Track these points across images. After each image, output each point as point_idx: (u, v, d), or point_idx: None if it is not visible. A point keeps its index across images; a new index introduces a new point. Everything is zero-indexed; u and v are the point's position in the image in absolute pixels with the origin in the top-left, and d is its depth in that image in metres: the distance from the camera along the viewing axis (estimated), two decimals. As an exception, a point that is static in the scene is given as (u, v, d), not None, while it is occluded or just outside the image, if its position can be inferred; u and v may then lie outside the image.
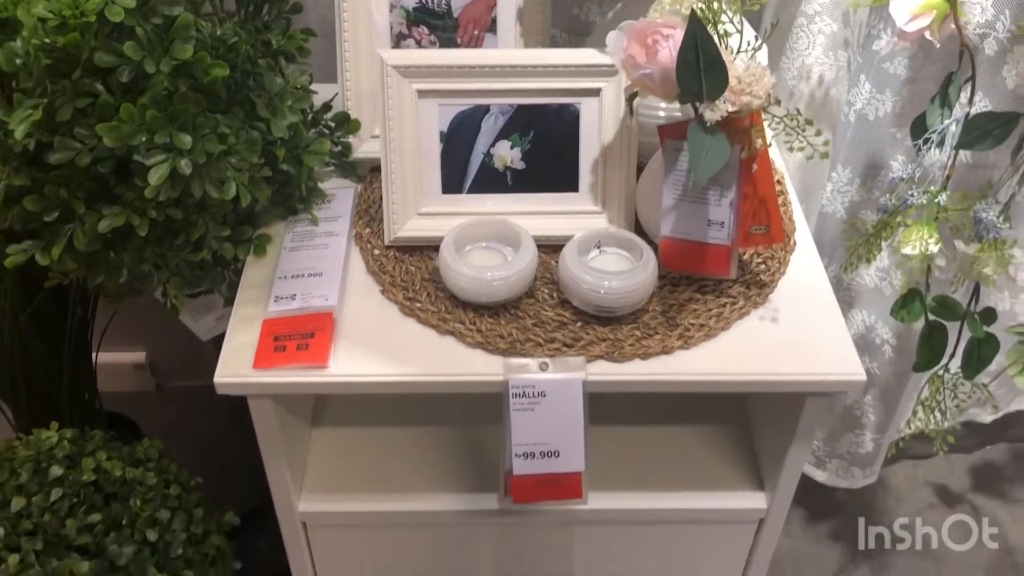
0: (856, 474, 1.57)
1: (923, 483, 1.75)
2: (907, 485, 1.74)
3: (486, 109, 0.91)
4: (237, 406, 1.36)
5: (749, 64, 0.75)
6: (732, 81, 0.74)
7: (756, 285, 0.91)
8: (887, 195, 1.01)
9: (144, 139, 0.79)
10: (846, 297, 1.39)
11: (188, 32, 0.81)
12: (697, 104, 0.75)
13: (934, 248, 1.02)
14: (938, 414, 1.21)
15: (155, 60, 0.79)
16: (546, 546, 1.03)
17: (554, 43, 1.15)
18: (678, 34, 0.75)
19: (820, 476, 1.60)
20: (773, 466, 0.97)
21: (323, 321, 0.85)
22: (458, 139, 0.92)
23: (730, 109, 0.74)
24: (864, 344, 1.40)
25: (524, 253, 0.86)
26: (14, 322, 1.17)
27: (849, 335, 0.87)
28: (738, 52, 0.77)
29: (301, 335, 0.84)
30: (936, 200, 1.01)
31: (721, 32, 0.77)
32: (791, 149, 0.78)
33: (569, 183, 0.93)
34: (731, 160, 0.80)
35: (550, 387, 0.82)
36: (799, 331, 0.87)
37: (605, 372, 0.83)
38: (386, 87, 0.89)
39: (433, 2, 0.99)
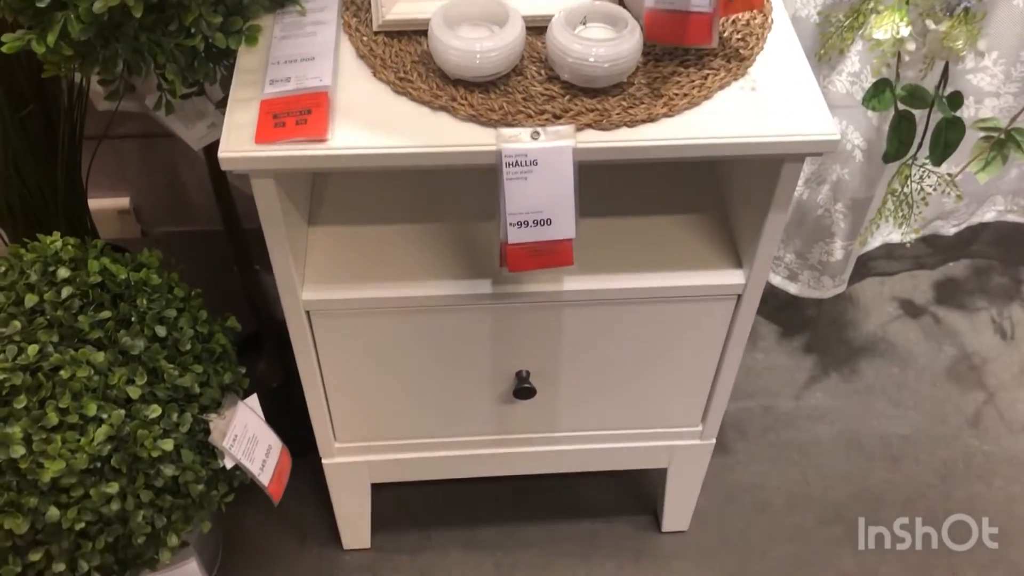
0: (827, 283, 1.65)
1: (889, 298, 1.83)
2: (874, 300, 1.82)
3: None
4: (236, 234, 1.40)
5: None
6: None
7: (736, 58, 0.94)
8: (862, -22, 1.03)
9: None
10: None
11: None
12: None
13: (904, 31, 1.05)
14: (906, 207, 1.27)
15: None
16: (536, 328, 1.09)
17: None
18: None
19: (792, 288, 1.68)
20: (750, 243, 1.03)
21: (319, 99, 0.88)
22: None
23: None
24: (836, 150, 1.45)
25: (512, 26, 0.88)
26: (6, 143, 1.18)
27: (825, 103, 0.91)
28: None
29: (299, 112, 0.87)
30: (908, -13, 1.04)
31: None
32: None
33: None
34: (713, -77, 0.82)
35: (541, 155, 0.86)
36: (777, 99, 0.91)
37: (594, 140, 0.87)
38: None
39: None
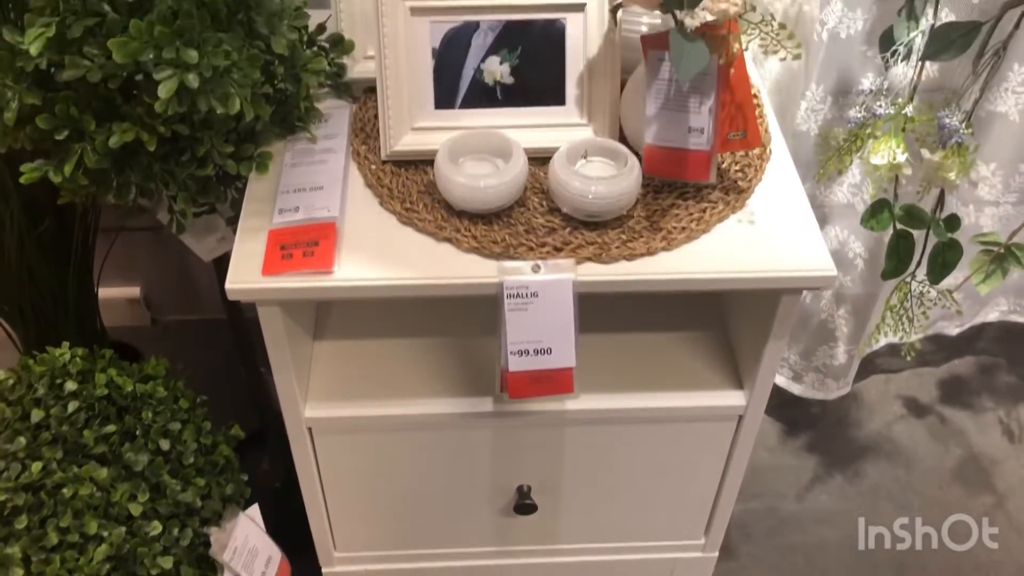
0: (831, 385, 1.65)
1: (894, 396, 1.83)
2: (879, 398, 1.82)
3: (476, 26, 0.95)
4: (240, 329, 1.42)
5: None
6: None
7: (734, 191, 0.96)
8: (856, 107, 1.06)
9: (152, 55, 0.82)
10: (820, 214, 1.45)
11: (190, -49, 0.84)
12: (678, 13, 0.80)
13: (901, 157, 1.07)
14: (906, 321, 1.28)
15: (160, -22, 0.82)
16: (538, 445, 1.09)
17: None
18: (659, -55, 0.79)
19: (796, 389, 1.68)
20: (751, 365, 1.03)
21: (326, 230, 0.90)
22: (449, 55, 0.96)
23: (708, 17, 0.79)
24: (838, 259, 1.45)
25: (515, 162, 0.91)
26: (21, 248, 1.21)
27: (821, 235, 0.93)
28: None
29: (306, 243, 0.89)
30: (903, 111, 1.06)
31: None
32: (765, 52, 0.83)
33: (556, 96, 0.97)
34: (709, 68, 0.85)
35: (542, 288, 0.88)
36: (774, 233, 0.93)
37: (593, 273, 0.89)
38: (380, 4, 0.92)
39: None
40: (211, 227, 1.18)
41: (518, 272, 0.88)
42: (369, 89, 1.04)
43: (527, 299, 0.88)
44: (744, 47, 0.83)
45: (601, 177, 0.89)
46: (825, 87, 1.29)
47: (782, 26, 0.82)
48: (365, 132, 1.02)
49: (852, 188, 1.38)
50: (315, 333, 1.12)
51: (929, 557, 1.58)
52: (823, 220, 1.45)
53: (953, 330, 1.75)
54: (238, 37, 0.90)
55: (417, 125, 0.97)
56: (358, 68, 1.05)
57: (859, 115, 1.06)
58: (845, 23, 1.22)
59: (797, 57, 0.83)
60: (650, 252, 0.90)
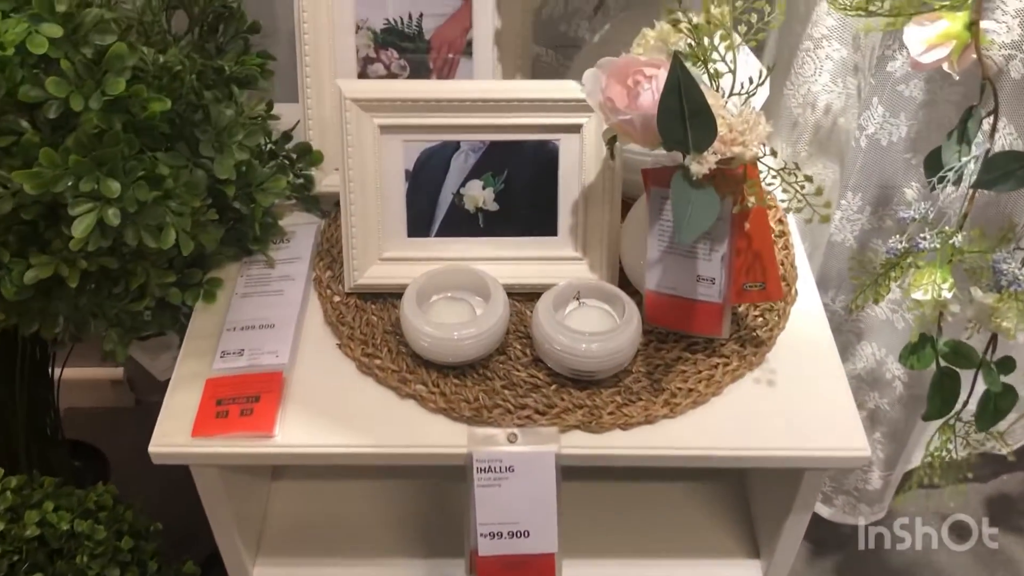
0: (864, 511, 1.49)
1: (935, 514, 1.66)
2: (918, 516, 1.65)
3: (456, 146, 0.83)
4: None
5: (742, 110, 0.66)
6: (722, 129, 0.65)
7: (752, 343, 0.82)
8: (896, 236, 0.92)
9: (69, 184, 0.71)
10: (855, 328, 1.30)
11: (122, 63, 0.73)
12: (682, 158, 0.67)
13: (947, 294, 0.93)
14: (949, 473, 1.12)
15: (84, 96, 0.71)
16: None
17: (539, 62, 1.07)
18: (663, 75, 0.66)
19: (826, 512, 1.52)
20: (769, 533, 0.89)
21: (271, 383, 0.78)
22: (425, 178, 0.83)
23: (718, 161, 0.66)
24: (873, 379, 1.31)
25: (494, 308, 0.78)
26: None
27: (854, 402, 0.79)
28: (730, 94, 0.69)
29: (246, 398, 0.76)
30: (951, 241, 0.92)
31: (712, 71, 0.68)
32: (788, 210, 0.69)
33: (547, 226, 0.85)
34: (722, 211, 0.71)
35: (519, 461, 0.74)
36: (799, 397, 0.79)
37: (581, 444, 0.75)
38: (345, 122, 0.80)
39: (403, 23, 0.90)
40: (165, 344, 1.06)
41: (491, 442, 0.74)
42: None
43: (501, 474, 0.74)
44: (767, 198, 0.69)
45: (594, 333, 0.76)
46: (863, 196, 1.15)
47: (808, 179, 0.68)
48: (331, 255, 0.90)
49: (892, 304, 1.23)
50: (274, 472, 0.99)
51: None
52: (858, 335, 1.30)
53: (1003, 450, 1.58)
54: (181, 157, 0.78)
55: (386, 255, 0.85)
56: (328, 180, 0.94)
57: (900, 246, 0.92)
58: (887, 129, 1.08)
59: (825, 220, 0.69)
60: (649, 420, 0.76)
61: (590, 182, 0.83)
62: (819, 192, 0.68)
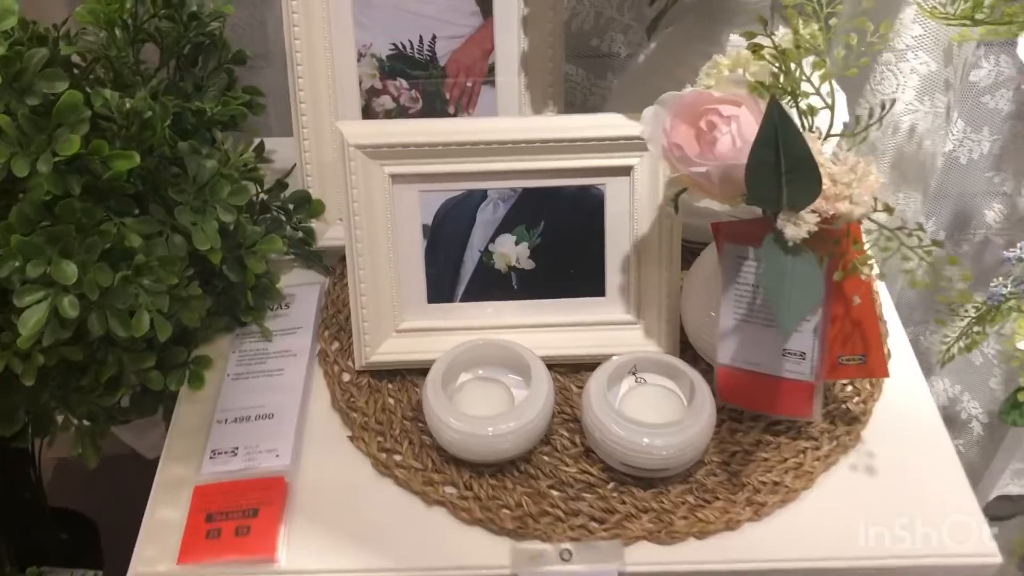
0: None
1: (1004, 550, 1.53)
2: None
3: (482, 195, 0.69)
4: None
5: (847, 156, 0.53)
6: (824, 183, 0.52)
7: (843, 419, 0.69)
8: (999, 280, 0.78)
9: (15, 267, 0.58)
10: (925, 361, 1.16)
11: (77, 115, 0.60)
12: (776, 219, 0.53)
13: (1060, 342, 0.79)
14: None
15: (30, 158, 0.58)
16: None
17: (568, 82, 0.93)
18: (744, 115, 0.53)
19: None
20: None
21: (271, 491, 0.64)
22: (447, 234, 0.70)
23: (817, 220, 0.52)
24: (947, 417, 1.17)
25: (536, 395, 0.65)
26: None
27: (971, 491, 0.65)
28: (827, 135, 0.55)
29: (242, 512, 0.63)
30: (1060, 282, 0.78)
31: (804, 107, 0.54)
32: (882, 276, 0.56)
33: (593, 286, 0.71)
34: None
35: (575, 581, 0.61)
36: (905, 488, 0.65)
37: (649, 560, 0.62)
38: (349, 172, 0.67)
39: (413, 48, 0.77)
40: (151, 422, 0.93)
41: (540, 560, 0.61)
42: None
43: (553, 598, 0.61)
44: (871, 263, 0.56)
45: (658, 425, 0.62)
46: (937, 220, 1.02)
47: (920, 227, 0.55)
48: (338, 322, 0.77)
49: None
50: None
51: None
52: (929, 369, 1.16)
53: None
54: (153, 223, 0.65)
55: (403, 326, 0.72)
56: (332, 232, 0.81)
57: (1004, 291, 0.78)
58: (967, 145, 0.95)
59: (930, 286, 0.56)
60: (731, 525, 0.63)
61: (643, 233, 0.70)
62: (928, 255, 0.54)
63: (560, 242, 0.70)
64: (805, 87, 0.54)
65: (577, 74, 0.94)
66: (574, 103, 0.94)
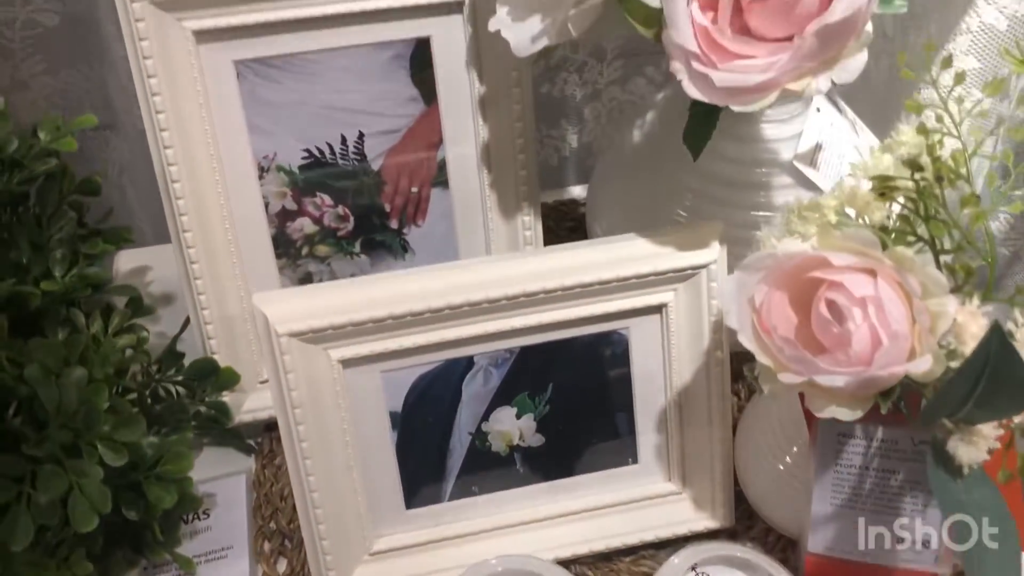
0: None
1: None
2: None
3: (468, 363, 0.51)
4: None
5: (1021, 336, 0.37)
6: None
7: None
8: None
9: None
10: None
11: None
12: (941, 436, 0.37)
13: None
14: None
15: None
16: None
17: (541, 145, 0.75)
18: (886, 292, 0.36)
19: None
20: None
21: None
22: (425, 418, 0.52)
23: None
24: None
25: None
26: None
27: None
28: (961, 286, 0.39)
29: None
30: None
31: (956, 266, 0.38)
32: None
33: (622, 452, 0.54)
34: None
35: None
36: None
37: None
38: (282, 369, 0.47)
39: (334, 152, 0.56)
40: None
41: None
42: (273, 426, 0.59)
43: None
44: None
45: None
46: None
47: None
48: (279, 527, 0.57)
49: None
50: None
51: None
52: None
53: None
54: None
55: (378, 547, 0.53)
56: (251, 403, 0.61)
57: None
58: None
59: None
60: None
61: (684, 383, 0.53)
62: None
63: (575, 406, 0.53)
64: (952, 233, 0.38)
65: (542, 131, 0.75)
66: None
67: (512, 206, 0.59)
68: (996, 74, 0.58)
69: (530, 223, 0.60)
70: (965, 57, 0.61)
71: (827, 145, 0.53)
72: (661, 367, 0.53)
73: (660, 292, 0.51)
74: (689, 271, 0.50)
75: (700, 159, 0.50)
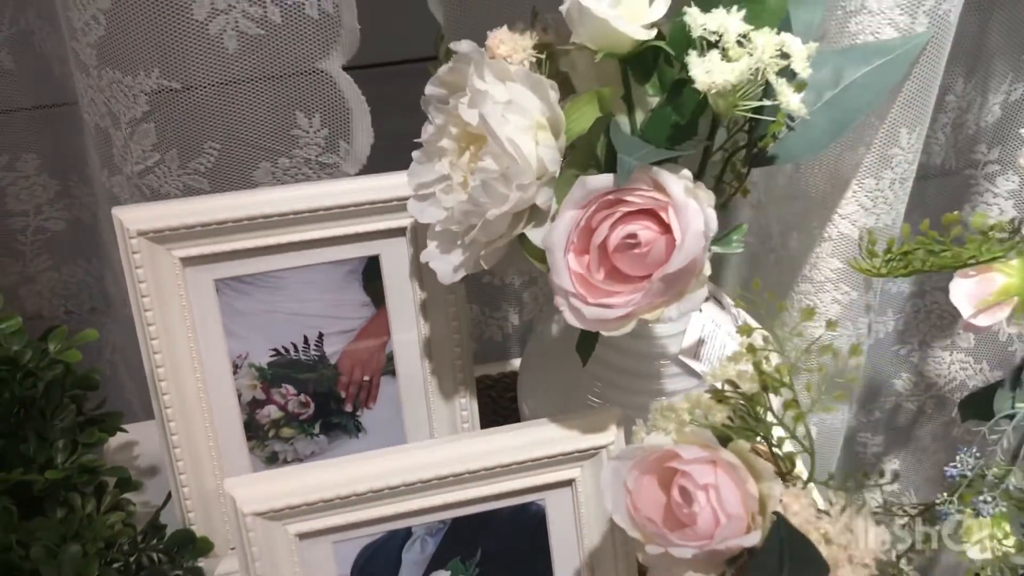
0: None
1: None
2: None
3: (407, 533, 0.60)
4: None
5: (837, 510, 0.47)
6: (821, 550, 0.45)
7: None
8: (944, 500, 0.75)
9: None
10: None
11: None
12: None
13: (1012, 548, 0.76)
14: None
15: None
16: None
17: (486, 324, 0.86)
18: (723, 480, 0.46)
19: None
20: None
21: None
22: (370, 582, 0.60)
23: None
24: None
25: None
26: None
27: None
28: (808, 480, 0.49)
29: None
30: (1003, 486, 0.76)
31: (780, 454, 0.48)
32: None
33: (545, 609, 0.63)
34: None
35: None
36: None
37: None
38: (247, 543, 0.56)
39: (297, 350, 0.67)
40: None
41: None
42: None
43: None
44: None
45: None
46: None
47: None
48: None
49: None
50: None
51: None
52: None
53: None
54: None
55: None
56: (223, 567, 0.69)
57: (950, 510, 0.75)
58: (874, 327, 0.93)
59: None
60: None
61: (594, 545, 0.62)
62: None
63: (502, 569, 0.61)
64: (777, 430, 0.48)
65: (471, 310, 0.86)
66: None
67: (451, 390, 0.69)
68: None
69: (467, 404, 0.70)
70: (829, 259, 0.73)
71: (708, 339, 0.64)
72: (574, 534, 0.62)
73: (569, 469, 0.60)
74: (591, 451, 0.60)
75: (604, 352, 0.61)
